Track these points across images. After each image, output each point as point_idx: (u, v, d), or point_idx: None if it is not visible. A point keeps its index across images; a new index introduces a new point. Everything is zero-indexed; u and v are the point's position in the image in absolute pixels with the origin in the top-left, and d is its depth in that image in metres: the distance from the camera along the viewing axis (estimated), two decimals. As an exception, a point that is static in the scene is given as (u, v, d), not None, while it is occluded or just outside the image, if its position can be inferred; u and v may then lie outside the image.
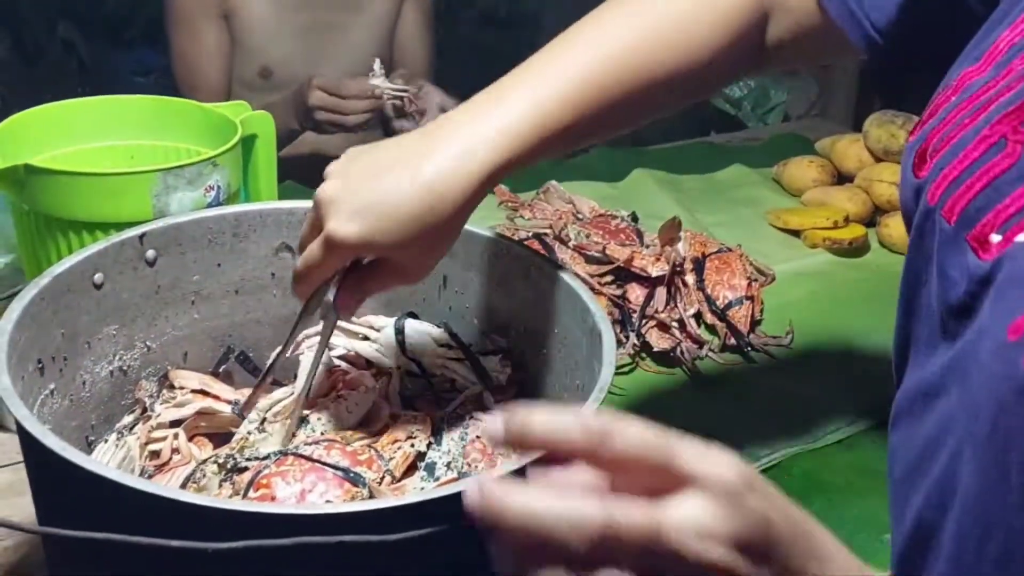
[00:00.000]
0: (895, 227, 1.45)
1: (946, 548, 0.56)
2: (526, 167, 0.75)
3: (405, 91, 1.65)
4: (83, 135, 1.09)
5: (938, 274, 0.59)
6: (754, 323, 1.21)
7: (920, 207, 0.62)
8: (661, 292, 1.19)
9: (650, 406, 1.09)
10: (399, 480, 0.76)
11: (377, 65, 1.65)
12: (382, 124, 1.93)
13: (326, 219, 0.71)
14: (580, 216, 1.35)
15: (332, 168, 0.74)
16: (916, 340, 0.64)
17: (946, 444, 0.56)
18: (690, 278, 1.22)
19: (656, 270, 1.19)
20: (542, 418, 0.46)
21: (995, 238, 0.54)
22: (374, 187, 0.70)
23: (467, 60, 2.96)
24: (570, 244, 1.24)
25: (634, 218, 1.36)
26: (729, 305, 1.20)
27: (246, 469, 0.73)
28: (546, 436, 0.46)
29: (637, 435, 0.46)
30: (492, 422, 0.47)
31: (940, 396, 0.58)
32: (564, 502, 0.44)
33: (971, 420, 0.53)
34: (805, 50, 0.85)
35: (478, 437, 0.79)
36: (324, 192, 0.72)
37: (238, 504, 0.57)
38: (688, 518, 0.45)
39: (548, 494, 0.45)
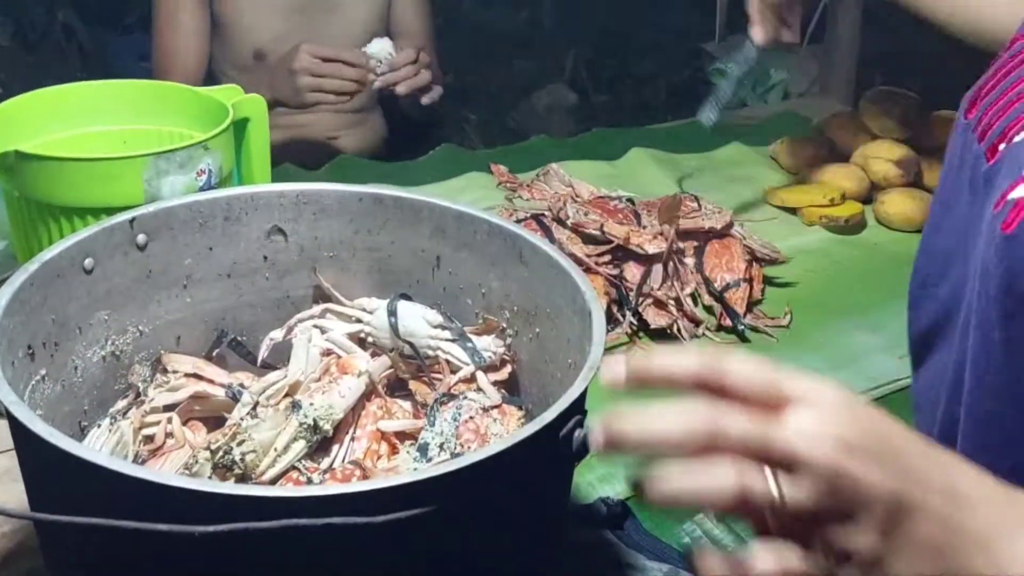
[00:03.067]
0: (891, 204, 1.44)
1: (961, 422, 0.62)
2: None
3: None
4: (76, 120, 1.09)
5: (970, 190, 0.66)
6: (752, 304, 1.21)
7: (964, 142, 0.68)
8: (658, 269, 1.19)
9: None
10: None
11: (376, 44, 1.62)
12: (381, 103, 1.93)
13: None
14: (578, 199, 1.35)
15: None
16: (942, 259, 0.70)
17: (957, 321, 0.64)
18: (689, 260, 1.22)
19: (653, 248, 1.18)
20: (661, 355, 0.50)
21: (1002, 147, 0.62)
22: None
23: (467, 42, 2.96)
24: (568, 222, 1.24)
25: (631, 202, 1.35)
26: (727, 287, 1.20)
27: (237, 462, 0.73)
28: (665, 368, 0.50)
29: (749, 362, 0.49)
30: (612, 364, 0.50)
31: (946, 324, 0.67)
32: (675, 408, 0.49)
33: (970, 290, 0.60)
34: None
35: (471, 418, 0.79)
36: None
37: (225, 487, 0.57)
38: (797, 423, 0.47)
39: (660, 409, 0.49)
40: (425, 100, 1.64)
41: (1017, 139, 0.61)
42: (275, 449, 0.76)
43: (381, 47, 1.59)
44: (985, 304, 0.58)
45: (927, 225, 0.74)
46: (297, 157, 1.59)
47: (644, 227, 1.26)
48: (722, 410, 0.48)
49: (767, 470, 0.46)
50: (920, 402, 0.75)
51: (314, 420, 0.77)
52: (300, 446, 0.77)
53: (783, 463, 0.46)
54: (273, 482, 0.75)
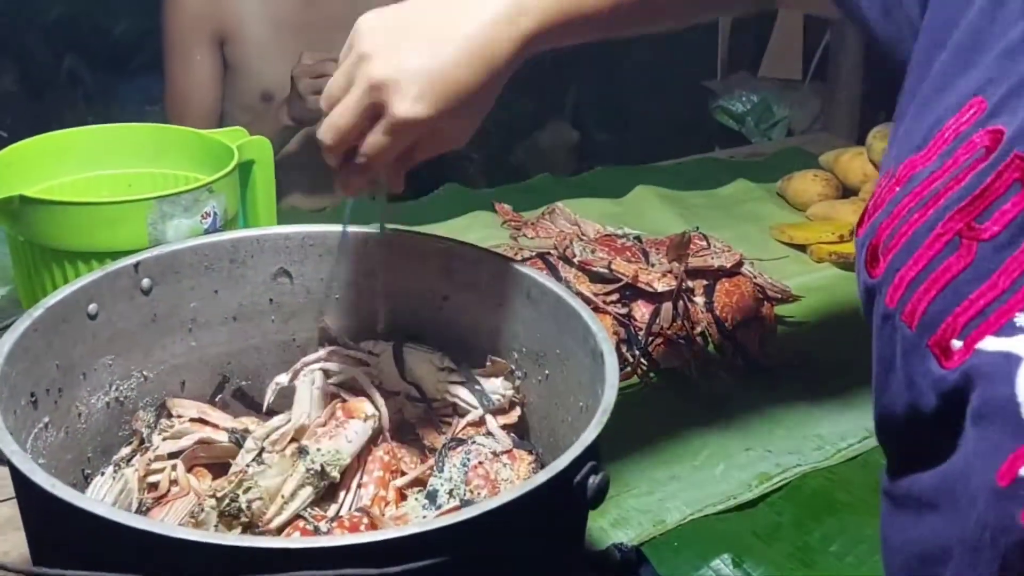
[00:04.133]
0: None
1: None
2: (555, 44, 0.77)
3: None
4: (81, 165, 1.08)
5: (906, 382, 0.58)
6: (763, 342, 1.19)
7: (878, 309, 0.60)
8: (667, 308, 1.17)
9: (658, 425, 1.07)
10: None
11: None
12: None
13: (391, 104, 0.70)
14: (584, 237, 1.34)
15: (370, 42, 0.72)
16: (897, 431, 0.62)
17: (945, 569, 0.56)
18: (699, 299, 1.21)
19: (662, 286, 1.17)
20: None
21: (956, 344, 0.53)
22: (430, 63, 0.70)
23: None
24: (575, 260, 1.23)
25: (639, 240, 1.35)
26: (738, 326, 1.18)
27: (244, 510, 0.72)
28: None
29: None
30: None
31: (932, 512, 0.58)
32: None
33: (972, 561, 0.52)
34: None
35: (481, 463, 0.78)
36: (379, 73, 0.70)
37: (232, 539, 0.56)
38: None
39: None
40: None
41: (985, 346, 0.51)
42: (282, 496, 0.75)
43: None
44: None
45: (874, 383, 0.65)
46: (302, 199, 1.59)
47: (652, 265, 1.25)
48: None
49: None
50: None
51: (321, 466, 0.76)
52: (307, 492, 0.75)
53: None
54: (280, 530, 0.74)
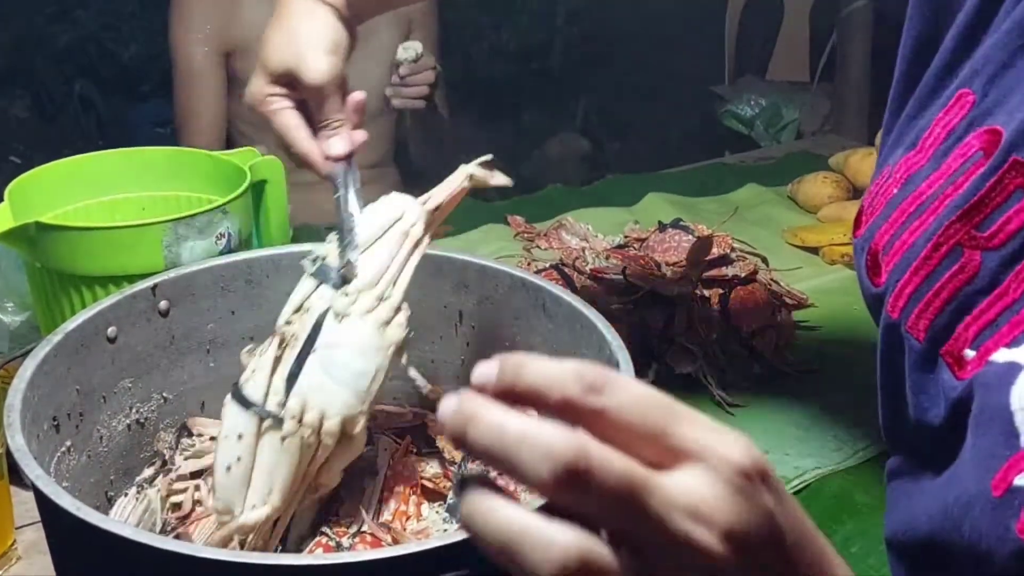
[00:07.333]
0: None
1: None
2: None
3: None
4: (95, 189, 1.09)
5: (912, 392, 0.58)
6: (780, 348, 1.19)
7: (883, 320, 0.60)
8: (681, 314, 1.18)
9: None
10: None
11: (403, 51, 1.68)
12: (396, 159, 1.95)
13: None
14: (593, 249, 1.35)
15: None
16: (905, 435, 0.63)
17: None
18: (715, 313, 1.21)
19: (678, 288, 1.17)
20: (539, 362, 0.39)
21: (969, 354, 0.53)
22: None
23: (477, 94, 2.98)
24: (587, 268, 1.23)
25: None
26: (754, 333, 1.18)
27: None
28: (538, 380, 0.39)
29: (640, 391, 0.39)
30: (485, 367, 0.40)
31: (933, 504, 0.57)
32: (539, 426, 0.38)
33: (973, 563, 0.51)
34: None
35: (501, 474, 0.78)
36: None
37: (257, 557, 0.56)
38: (682, 490, 0.38)
39: (525, 418, 0.38)
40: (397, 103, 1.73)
41: (997, 357, 0.50)
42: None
43: (407, 51, 1.68)
44: None
45: (881, 386, 0.65)
46: (315, 216, 1.59)
47: (664, 275, 1.25)
48: (591, 444, 0.38)
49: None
50: None
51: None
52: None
53: (647, 530, 0.38)
54: (301, 542, 0.74)
